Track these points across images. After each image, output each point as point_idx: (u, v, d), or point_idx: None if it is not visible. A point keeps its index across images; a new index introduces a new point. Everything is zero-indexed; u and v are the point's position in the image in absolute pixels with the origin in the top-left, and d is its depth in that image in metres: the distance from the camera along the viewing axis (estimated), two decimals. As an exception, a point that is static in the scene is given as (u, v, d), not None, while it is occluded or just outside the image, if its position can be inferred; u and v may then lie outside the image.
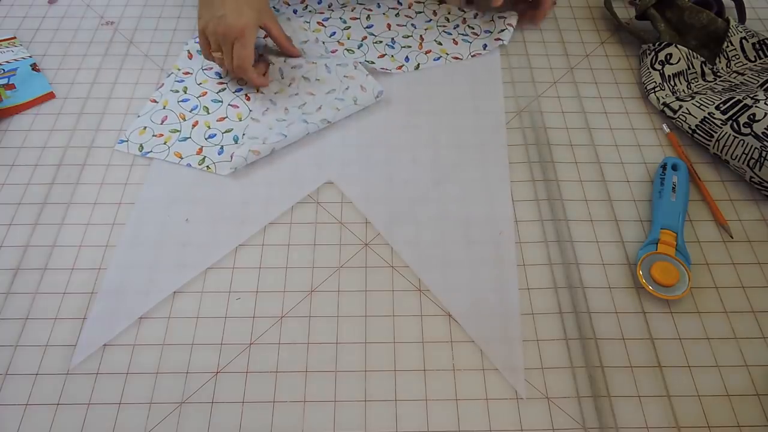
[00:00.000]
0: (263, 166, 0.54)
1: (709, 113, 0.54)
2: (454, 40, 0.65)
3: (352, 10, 0.67)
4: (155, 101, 0.59)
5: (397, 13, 0.67)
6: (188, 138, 0.56)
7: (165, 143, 0.55)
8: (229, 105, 0.59)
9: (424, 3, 0.69)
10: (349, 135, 0.57)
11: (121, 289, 0.46)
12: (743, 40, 0.61)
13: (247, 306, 0.46)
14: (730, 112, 0.53)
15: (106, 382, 0.42)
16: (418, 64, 0.63)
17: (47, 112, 0.59)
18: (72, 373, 0.42)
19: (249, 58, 0.55)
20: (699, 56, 0.60)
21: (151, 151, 0.55)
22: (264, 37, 0.63)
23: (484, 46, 0.64)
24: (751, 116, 0.52)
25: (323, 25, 0.66)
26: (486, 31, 0.66)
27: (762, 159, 0.50)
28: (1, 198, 0.52)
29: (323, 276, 0.48)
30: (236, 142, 0.55)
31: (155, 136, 0.56)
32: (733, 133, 0.52)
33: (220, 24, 0.54)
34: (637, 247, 0.49)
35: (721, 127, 0.53)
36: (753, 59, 0.61)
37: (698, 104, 0.55)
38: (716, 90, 0.58)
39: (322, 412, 0.41)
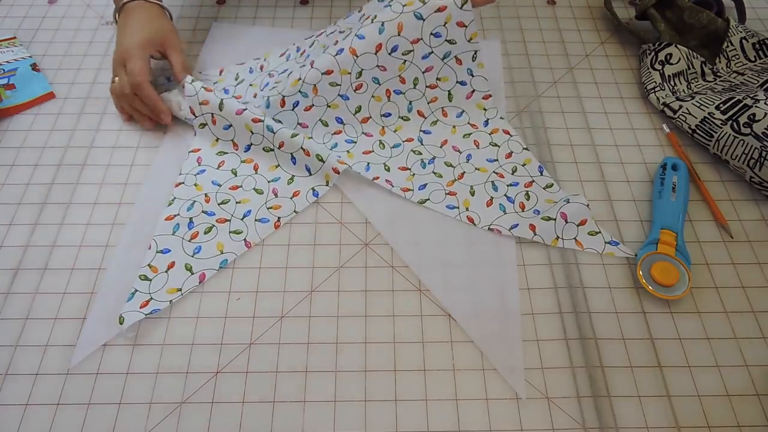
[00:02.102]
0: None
1: (709, 113, 0.54)
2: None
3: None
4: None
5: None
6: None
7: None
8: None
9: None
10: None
11: (121, 289, 0.46)
12: (743, 40, 0.61)
13: (247, 306, 0.46)
14: (730, 112, 0.53)
15: (106, 382, 0.42)
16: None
17: (47, 112, 0.59)
18: (72, 373, 0.42)
19: (143, 73, 0.53)
20: (699, 56, 0.60)
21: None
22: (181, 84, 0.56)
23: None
24: (751, 116, 0.52)
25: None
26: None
27: (762, 159, 0.50)
28: (1, 198, 0.52)
29: (323, 276, 0.48)
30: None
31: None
32: (733, 133, 0.52)
33: (114, 54, 0.55)
34: (637, 247, 0.49)
35: (721, 127, 0.53)
36: (753, 59, 0.61)
37: (698, 104, 0.55)
38: (716, 90, 0.58)
39: (322, 412, 0.41)
